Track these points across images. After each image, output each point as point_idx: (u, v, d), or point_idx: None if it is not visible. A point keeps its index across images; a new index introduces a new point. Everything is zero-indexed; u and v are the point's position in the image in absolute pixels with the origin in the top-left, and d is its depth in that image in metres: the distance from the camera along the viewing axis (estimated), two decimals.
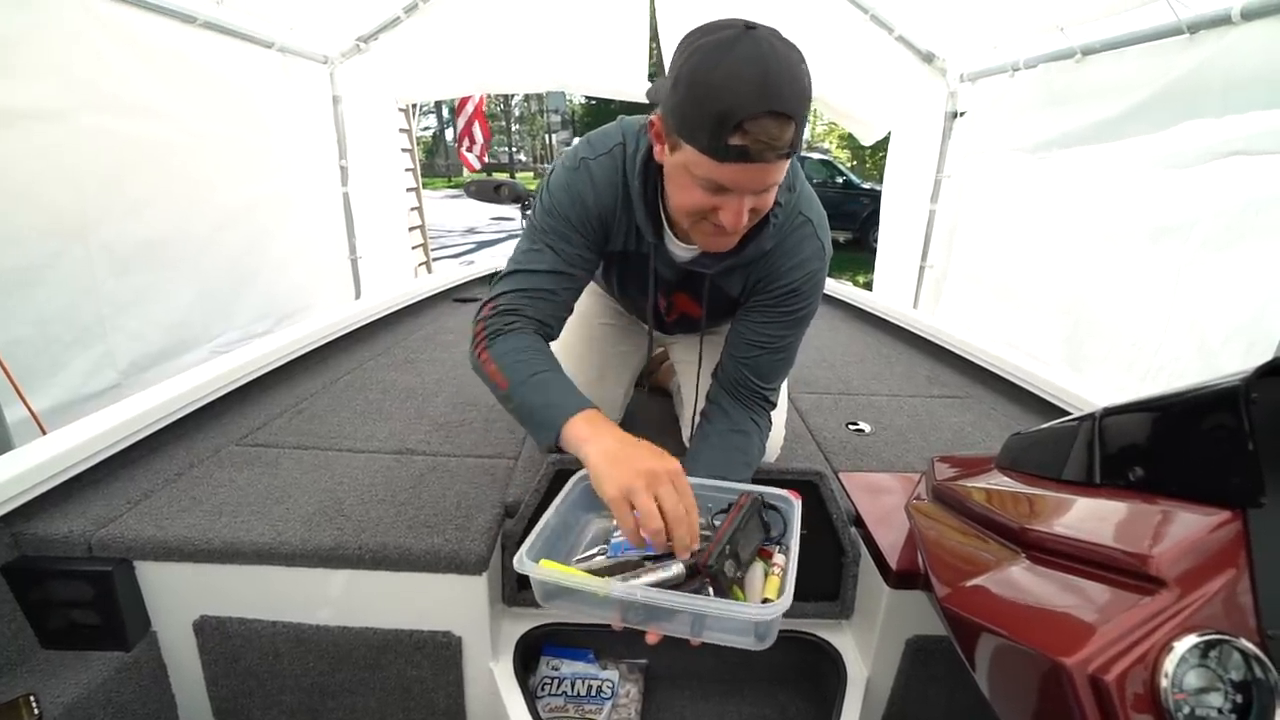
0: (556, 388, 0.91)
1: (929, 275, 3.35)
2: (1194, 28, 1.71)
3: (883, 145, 3.71)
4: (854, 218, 9.69)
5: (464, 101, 8.58)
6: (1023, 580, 0.67)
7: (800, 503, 0.88)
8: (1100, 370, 2.09)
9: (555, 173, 1.00)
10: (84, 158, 1.84)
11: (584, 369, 1.33)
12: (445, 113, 28.20)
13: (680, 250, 1.01)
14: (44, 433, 1.48)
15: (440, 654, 1.08)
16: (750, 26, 0.75)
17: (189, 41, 2.18)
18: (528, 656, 1.17)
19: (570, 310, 1.05)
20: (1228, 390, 0.55)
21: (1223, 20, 1.62)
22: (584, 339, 1.36)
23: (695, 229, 0.89)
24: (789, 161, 0.81)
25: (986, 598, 0.69)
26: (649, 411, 1.57)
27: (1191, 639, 0.51)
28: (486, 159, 9.25)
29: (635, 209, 0.96)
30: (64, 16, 1.74)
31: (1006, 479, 0.88)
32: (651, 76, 3.16)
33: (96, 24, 1.84)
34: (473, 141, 9.00)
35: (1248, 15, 1.56)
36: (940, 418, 1.59)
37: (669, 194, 0.89)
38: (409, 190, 4.58)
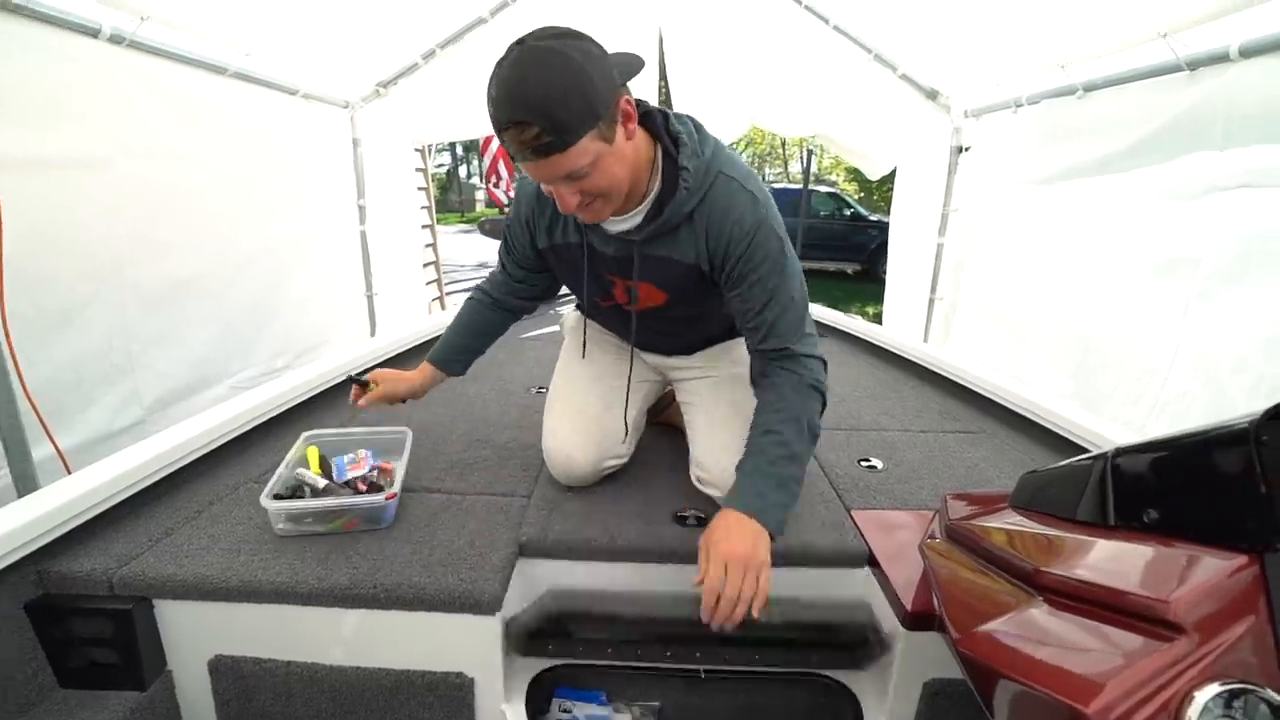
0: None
1: (939, 308, 3.36)
2: (1193, 65, 1.74)
3: (889, 177, 3.76)
4: (862, 249, 9.76)
5: (487, 142, 9.04)
6: (1039, 624, 0.66)
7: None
8: (1107, 405, 2.07)
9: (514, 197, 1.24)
10: (119, 202, 1.91)
11: (589, 401, 1.39)
12: (460, 150, 28.90)
13: (613, 223, 1.08)
14: (69, 471, 1.51)
15: (453, 695, 1.07)
16: (520, 42, 0.86)
17: (219, 90, 2.28)
18: (540, 698, 1.16)
19: (530, 293, 1.38)
20: (1237, 432, 0.56)
21: (1221, 58, 1.65)
22: (586, 371, 1.44)
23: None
24: (580, 149, 0.87)
25: (1002, 642, 0.69)
26: (660, 445, 1.57)
27: (1214, 688, 0.51)
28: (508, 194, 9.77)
29: None
30: (105, 70, 1.83)
31: (1020, 518, 0.87)
32: None
33: (134, 76, 1.93)
34: (499, 178, 9.52)
35: (1246, 53, 1.58)
36: (953, 453, 1.59)
37: None
38: (424, 227, 4.67)
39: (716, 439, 1.26)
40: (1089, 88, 2.22)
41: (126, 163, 1.92)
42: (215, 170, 2.30)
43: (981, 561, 0.85)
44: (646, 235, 1.07)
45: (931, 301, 3.39)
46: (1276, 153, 1.56)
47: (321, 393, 1.84)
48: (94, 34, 1.76)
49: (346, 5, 2.51)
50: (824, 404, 1.08)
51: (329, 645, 1.08)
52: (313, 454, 1.32)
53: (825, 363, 1.10)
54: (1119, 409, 2.07)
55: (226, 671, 1.08)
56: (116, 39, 1.82)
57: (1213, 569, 0.55)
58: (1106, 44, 2.08)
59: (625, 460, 1.41)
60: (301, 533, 1.17)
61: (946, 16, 2.60)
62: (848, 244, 9.88)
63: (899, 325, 3.62)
